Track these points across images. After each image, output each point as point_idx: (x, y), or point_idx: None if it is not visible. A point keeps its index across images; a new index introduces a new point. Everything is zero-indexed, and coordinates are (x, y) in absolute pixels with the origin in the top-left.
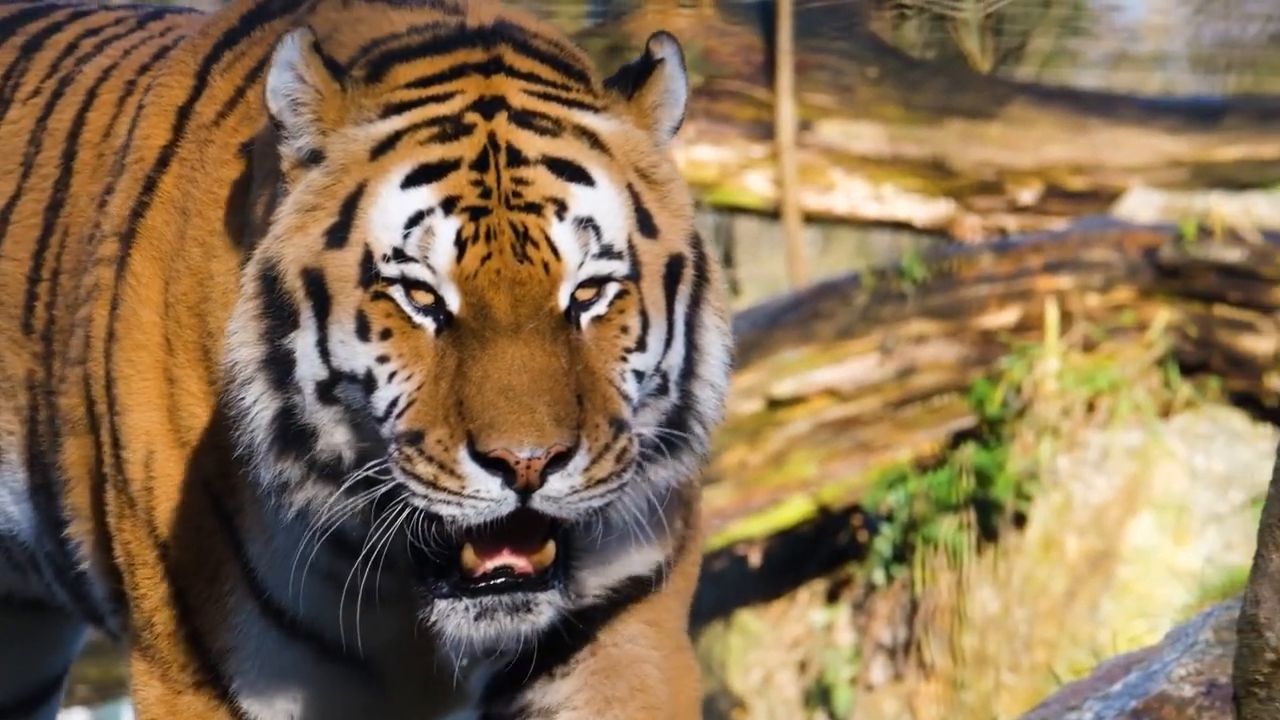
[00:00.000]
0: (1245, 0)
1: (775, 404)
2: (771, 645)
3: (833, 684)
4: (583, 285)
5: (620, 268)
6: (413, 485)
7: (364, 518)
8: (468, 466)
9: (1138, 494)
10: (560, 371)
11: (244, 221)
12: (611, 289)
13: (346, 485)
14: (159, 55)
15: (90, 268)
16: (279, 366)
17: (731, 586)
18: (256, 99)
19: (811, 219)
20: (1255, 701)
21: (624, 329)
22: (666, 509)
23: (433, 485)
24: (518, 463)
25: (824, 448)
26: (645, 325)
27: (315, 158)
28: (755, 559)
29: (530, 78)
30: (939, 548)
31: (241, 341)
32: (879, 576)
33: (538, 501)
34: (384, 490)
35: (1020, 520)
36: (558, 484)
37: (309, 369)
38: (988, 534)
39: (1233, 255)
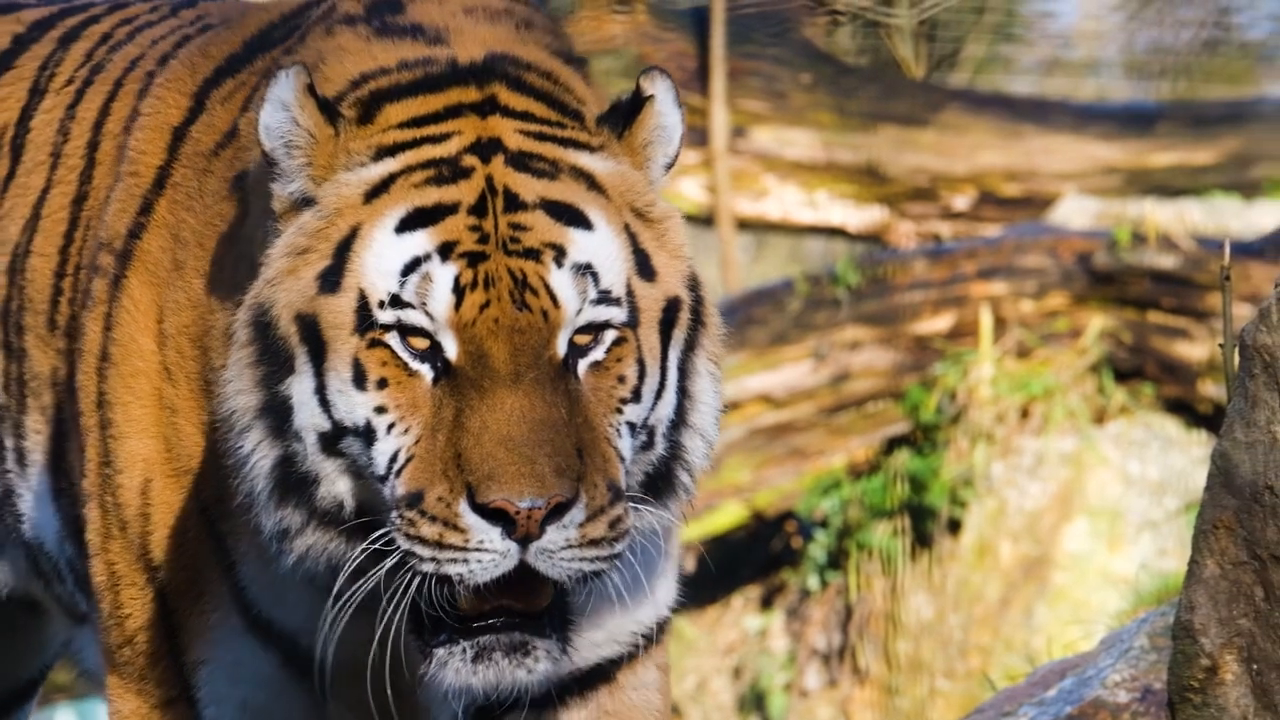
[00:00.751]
0: (1178, 6)
1: None
2: (706, 651)
3: (767, 690)
4: (580, 331)
5: (618, 314)
6: (419, 550)
7: (368, 568)
8: (469, 519)
9: (1072, 500)
10: (560, 422)
11: (240, 258)
12: (609, 335)
13: (354, 546)
14: (181, 45)
15: (90, 273)
16: (276, 414)
17: None
18: (249, 131)
19: (745, 225)
20: (1190, 707)
21: (621, 379)
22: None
23: (438, 545)
24: (518, 513)
25: (758, 454)
26: (641, 374)
27: (307, 202)
28: (689, 565)
29: (525, 117)
30: (873, 554)
31: (238, 390)
32: (813, 582)
33: (533, 555)
34: (390, 562)
35: (955, 526)
36: (554, 535)
37: (309, 418)
38: (922, 540)
39: (1166, 261)
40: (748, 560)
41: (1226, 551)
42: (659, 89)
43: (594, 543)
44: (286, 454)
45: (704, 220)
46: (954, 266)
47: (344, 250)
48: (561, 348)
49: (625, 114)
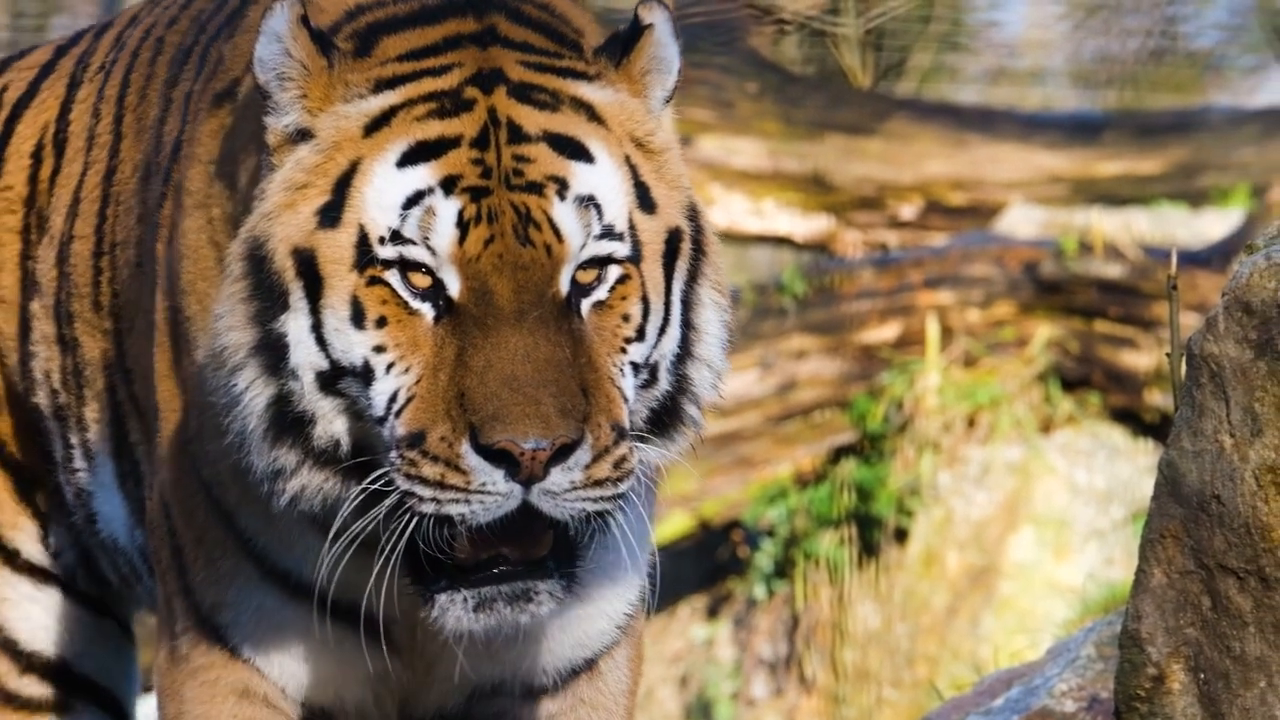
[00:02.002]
0: (1125, 16)
1: None
2: (652, 660)
3: (713, 699)
4: (583, 267)
5: (621, 249)
6: (419, 490)
7: (365, 510)
8: (472, 460)
9: (1019, 509)
10: (565, 361)
11: (221, 176)
12: (613, 272)
13: (351, 487)
14: (185, 6)
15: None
16: (271, 351)
17: None
18: (231, 54)
19: None
20: (1136, 716)
21: (625, 317)
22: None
23: (440, 485)
24: (522, 454)
25: (704, 463)
26: (645, 312)
27: (303, 135)
28: None
29: (525, 48)
30: (820, 563)
31: (230, 325)
32: (760, 592)
33: (536, 495)
34: (391, 503)
35: (901, 535)
36: (559, 477)
37: (306, 356)
38: (869, 549)
39: (1113, 271)
40: (694, 569)
41: (1173, 561)
42: (657, 18)
43: (598, 483)
44: (281, 393)
45: None
46: (900, 276)
47: (344, 185)
48: (565, 285)
49: (623, 43)
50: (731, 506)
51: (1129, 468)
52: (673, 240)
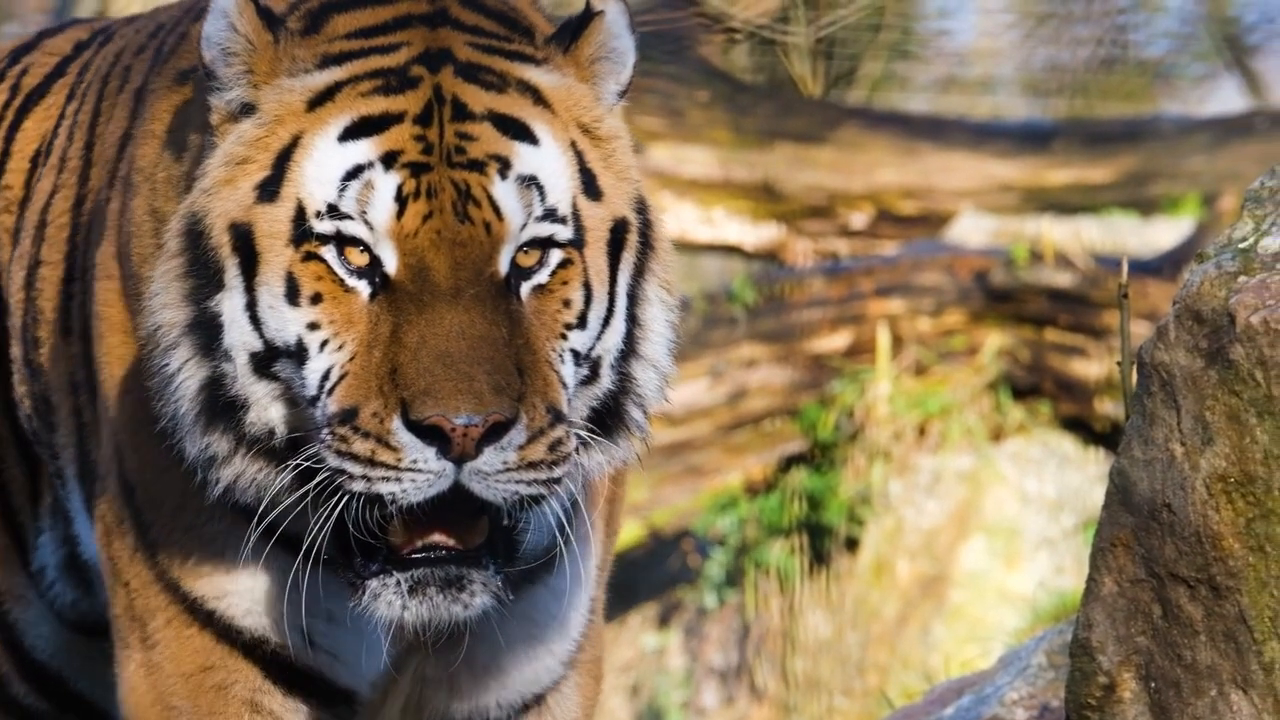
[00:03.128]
0: (1075, 24)
1: None
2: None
3: (664, 708)
4: (524, 249)
5: (563, 231)
6: (350, 467)
7: (297, 500)
8: (403, 436)
9: (969, 518)
10: (500, 340)
11: (170, 145)
12: (554, 256)
13: (281, 466)
14: (155, 33)
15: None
16: (205, 331)
17: None
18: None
19: None
20: None
21: (566, 302)
22: (600, 538)
23: (370, 462)
24: (454, 430)
25: (655, 472)
26: (588, 299)
27: (247, 110)
28: None
29: (475, 30)
30: (770, 572)
31: (164, 303)
32: (710, 601)
33: (467, 476)
34: (320, 482)
35: (852, 544)
36: (491, 457)
37: (239, 336)
38: (819, 558)
39: (1063, 279)
40: (645, 578)
41: (1124, 569)
42: (610, 8)
43: (532, 465)
44: (215, 375)
45: None
46: (851, 284)
47: (284, 159)
48: (504, 265)
49: (573, 30)
50: (682, 515)
51: (1079, 476)
52: (619, 230)
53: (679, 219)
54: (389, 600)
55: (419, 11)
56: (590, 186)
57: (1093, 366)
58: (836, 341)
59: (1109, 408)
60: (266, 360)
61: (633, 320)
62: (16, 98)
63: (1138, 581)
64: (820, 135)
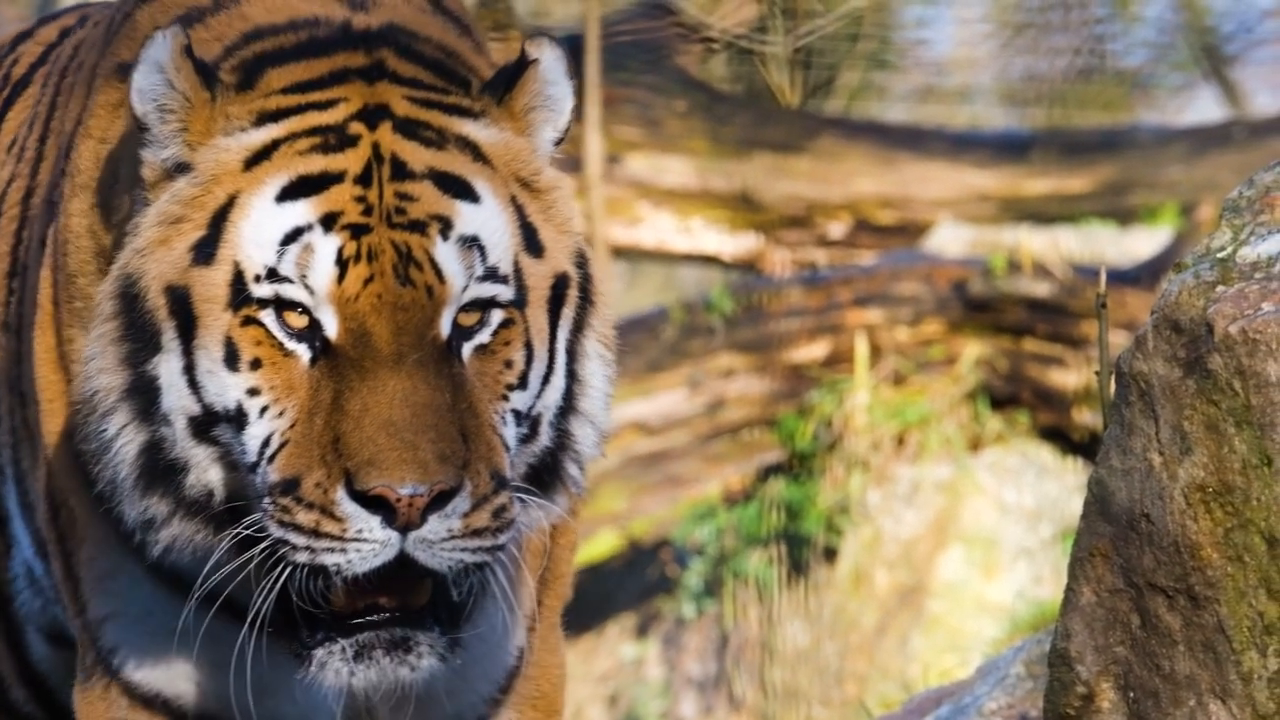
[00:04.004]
0: (1052, 34)
1: None
2: (581, 679)
3: (642, 718)
4: (465, 310)
5: (505, 292)
6: (293, 538)
7: (238, 569)
8: (348, 507)
9: (947, 528)
10: (444, 406)
11: (110, 160)
12: (496, 316)
13: (220, 531)
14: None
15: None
16: (143, 395)
17: None
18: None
19: (619, 253)
20: None
21: (508, 364)
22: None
23: (314, 533)
24: (399, 500)
25: (633, 482)
26: (529, 359)
27: (182, 169)
28: (566, 592)
29: (413, 83)
30: (749, 582)
31: (101, 368)
32: (689, 610)
33: (412, 545)
34: (263, 550)
35: (830, 554)
36: (436, 525)
37: (178, 401)
38: (798, 568)
39: (1041, 289)
40: (623, 588)
41: (1103, 579)
42: (545, 55)
43: (477, 533)
44: (153, 439)
45: None
46: (829, 294)
47: (220, 220)
48: (446, 327)
49: (507, 79)
50: (660, 525)
51: (1057, 486)
52: (559, 286)
53: (657, 229)
54: (336, 668)
55: (356, 65)
56: (531, 242)
57: (1071, 376)
58: (815, 351)
59: (1087, 417)
60: (205, 424)
61: (572, 376)
62: (5, 88)
63: (1116, 591)
64: (798, 145)
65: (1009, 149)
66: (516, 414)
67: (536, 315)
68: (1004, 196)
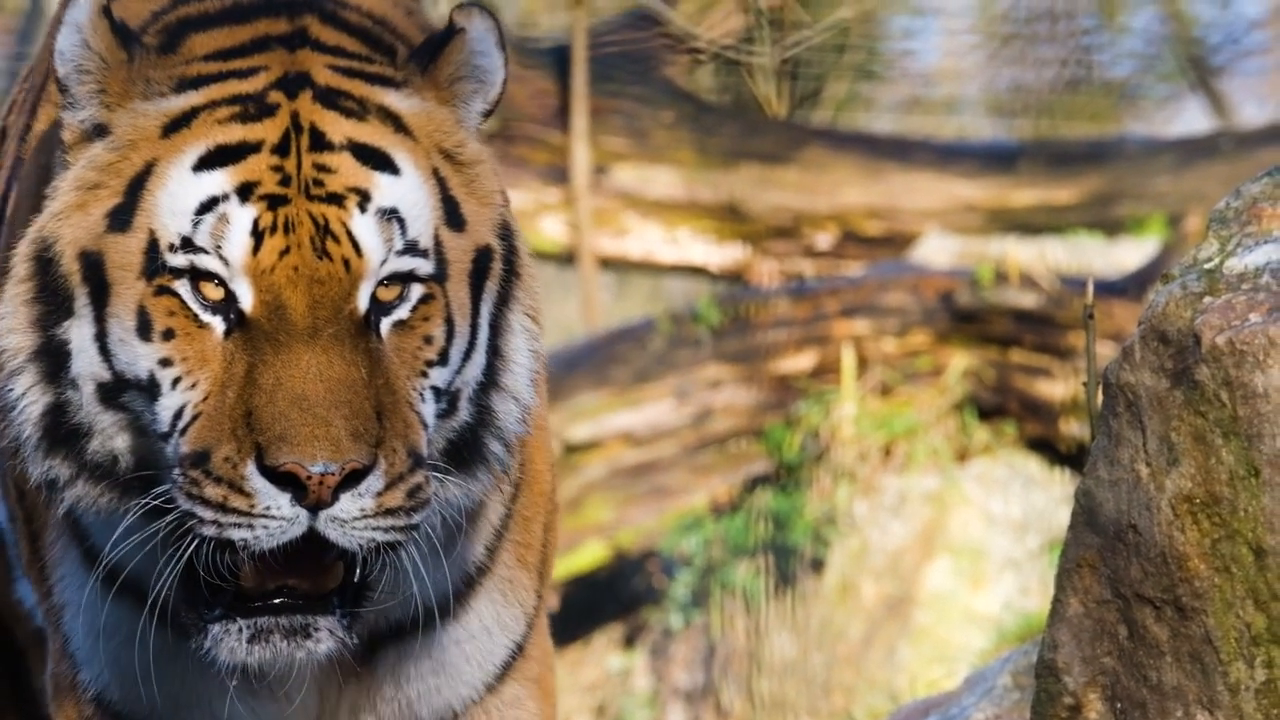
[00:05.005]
0: (1039, 45)
1: (571, 449)
2: (568, 690)
3: None
4: (384, 284)
5: (425, 266)
6: (200, 511)
7: (147, 543)
8: (256, 482)
9: (935, 539)
10: (359, 382)
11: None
12: (415, 291)
13: (125, 496)
14: None
15: None
16: (52, 358)
17: None
18: None
19: (607, 264)
20: None
21: (427, 339)
22: (524, 580)
23: (222, 508)
24: (309, 478)
25: (620, 492)
26: (450, 335)
27: (100, 131)
28: (552, 603)
29: (336, 51)
30: (736, 593)
31: (10, 328)
32: (676, 621)
33: (323, 523)
34: (170, 522)
35: (817, 565)
36: (348, 504)
37: (87, 366)
38: (785, 579)
39: (1028, 300)
40: (610, 599)
41: (1090, 590)
42: (473, 25)
43: (390, 512)
44: (59, 401)
45: (566, 259)
46: (816, 305)
47: (137, 187)
48: (363, 302)
49: (433, 49)
50: (647, 536)
51: (1044, 497)
52: (482, 259)
53: (644, 240)
54: (231, 646)
55: (278, 32)
56: (453, 216)
57: (1058, 387)
58: (802, 362)
59: (1074, 428)
60: (115, 391)
61: (494, 351)
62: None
63: (1103, 602)
64: (785, 156)
65: (996, 160)
66: (436, 390)
67: (458, 290)
68: (991, 207)
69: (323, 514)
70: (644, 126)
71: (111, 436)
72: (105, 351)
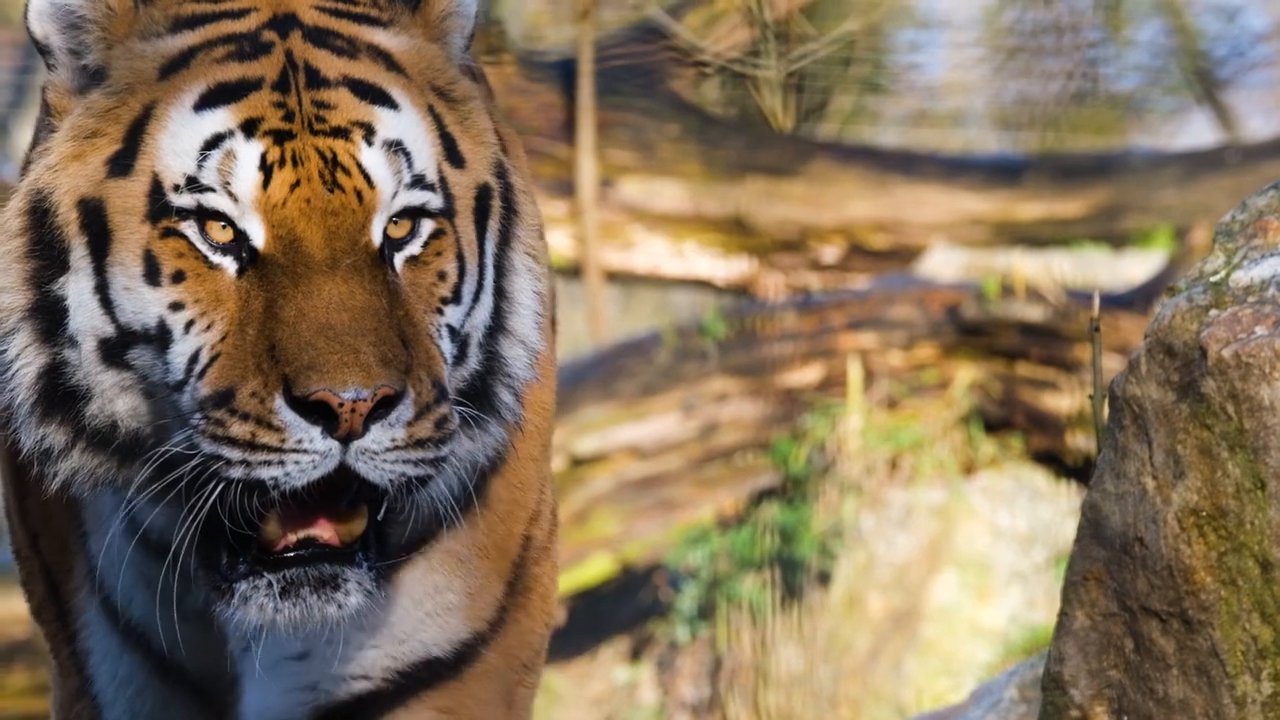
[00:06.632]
0: (1045, 58)
1: (578, 462)
2: (574, 703)
3: None
4: (395, 219)
5: (434, 200)
6: (227, 452)
7: (160, 497)
8: (286, 415)
9: (941, 552)
10: (382, 311)
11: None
12: (426, 227)
13: (127, 470)
14: None
15: None
16: (48, 316)
17: None
18: None
19: (613, 277)
20: None
21: (441, 275)
22: (481, 575)
23: (250, 445)
24: (341, 405)
25: (626, 505)
26: (461, 271)
27: (98, 76)
28: (559, 616)
29: None
30: (742, 606)
31: (3, 287)
32: (682, 634)
33: (354, 456)
34: (193, 469)
35: (824, 578)
36: (379, 434)
37: (87, 320)
38: (791, 592)
39: (1034, 313)
40: (616, 612)
41: (1096, 603)
42: None
43: (420, 443)
44: (55, 362)
45: (572, 272)
46: (822, 318)
47: (137, 131)
48: (377, 235)
49: None
50: (653, 549)
51: (1051, 510)
52: (483, 197)
53: (650, 253)
54: (260, 603)
55: None
56: (452, 152)
57: (1064, 400)
58: (808, 375)
59: (1080, 441)
60: (119, 346)
61: (500, 293)
62: None
63: (1110, 615)
64: (791, 169)
65: (1002, 173)
66: (451, 330)
67: (465, 227)
68: (997, 220)
69: (354, 446)
70: (650, 140)
71: (112, 399)
72: (107, 303)
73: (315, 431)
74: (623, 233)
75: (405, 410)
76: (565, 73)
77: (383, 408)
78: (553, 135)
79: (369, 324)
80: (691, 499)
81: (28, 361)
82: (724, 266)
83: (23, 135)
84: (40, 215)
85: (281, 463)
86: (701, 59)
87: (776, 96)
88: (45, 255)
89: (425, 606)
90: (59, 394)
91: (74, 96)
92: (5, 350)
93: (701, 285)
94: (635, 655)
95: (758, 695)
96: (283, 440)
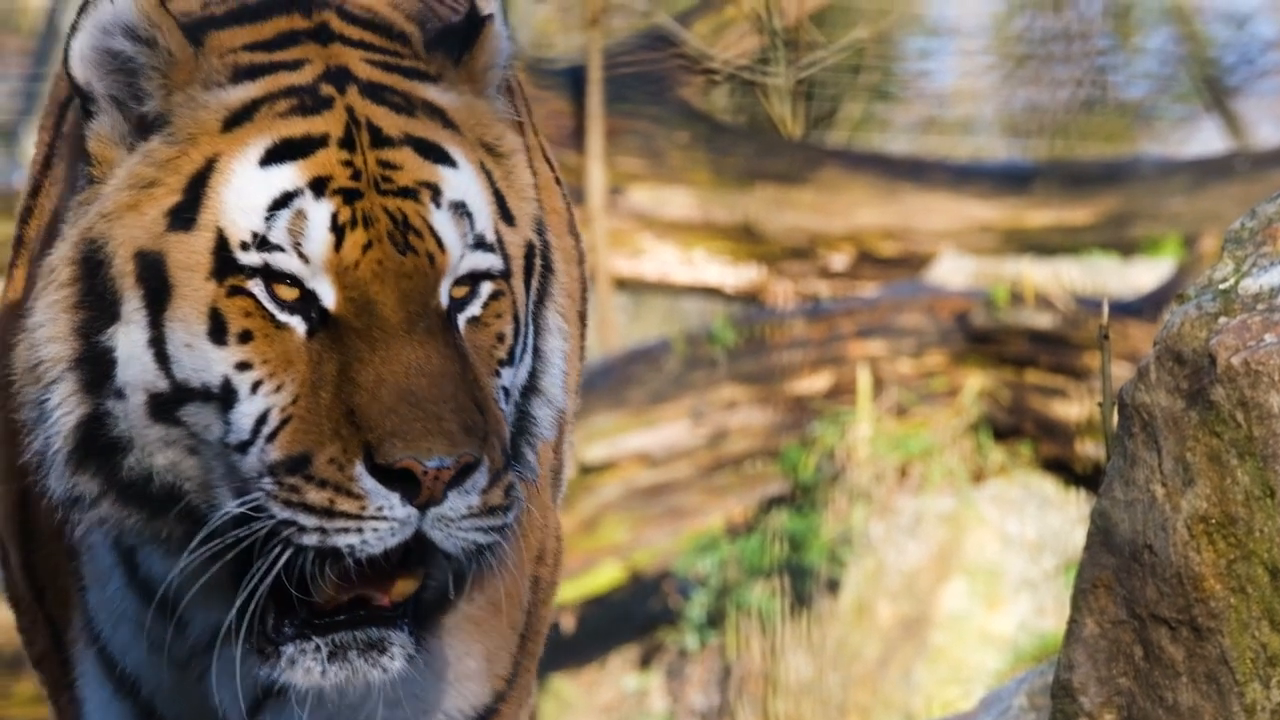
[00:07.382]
0: (1054, 66)
1: (587, 470)
2: (584, 711)
3: None
4: (458, 282)
5: (495, 262)
6: (302, 519)
7: (176, 550)
8: (367, 483)
9: (950, 559)
10: (458, 375)
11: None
12: (485, 288)
13: (157, 524)
14: None
15: None
16: (94, 367)
17: (544, 652)
18: None
19: (622, 285)
20: None
21: (500, 337)
22: (498, 635)
23: (328, 513)
24: (425, 473)
25: (636, 513)
26: (516, 333)
27: (158, 124)
28: (568, 624)
29: (363, 45)
30: (752, 613)
31: (50, 336)
32: (692, 642)
33: (430, 523)
34: (252, 534)
35: (833, 586)
36: (455, 501)
37: (139, 374)
38: (801, 599)
39: (1044, 321)
40: (626, 620)
41: (1106, 610)
42: (495, 6)
43: (491, 510)
44: (97, 413)
45: None
46: (832, 326)
47: (199, 185)
48: (445, 297)
49: (462, 39)
50: (663, 557)
51: (1060, 518)
52: (530, 256)
53: (659, 260)
54: (308, 667)
55: (302, 27)
56: (504, 210)
57: (1073, 408)
58: (817, 383)
59: (1090, 449)
60: (172, 402)
61: (535, 353)
62: None
63: (1119, 623)
64: (801, 176)
65: (1011, 181)
66: (505, 392)
67: (518, 286)
68: (1006, 228)
69: (430, 513)
70: (659, 147)
71: (152, 453)
72: (163, 357)
73: (395, 498)
74: (632, 240)
75: (481, 478)
76: (574, 80)
77: (462, 475)
78: (562, 143)
79: (448, 390)
80: (701, 507)
81: (68, 411)
82: (733, 274)
83: (31, 142)
84: (93, 266)
85: (360, 530)
86: (711, 67)
87: (786, 104)
88: (95, 306)
89: (450, 674)
90: (98, 445)
91: (118, 145)
92: (48, 399)
93: (711, 293)
94: (645, 663)
95: (767, 703)
96: (362, 508)
